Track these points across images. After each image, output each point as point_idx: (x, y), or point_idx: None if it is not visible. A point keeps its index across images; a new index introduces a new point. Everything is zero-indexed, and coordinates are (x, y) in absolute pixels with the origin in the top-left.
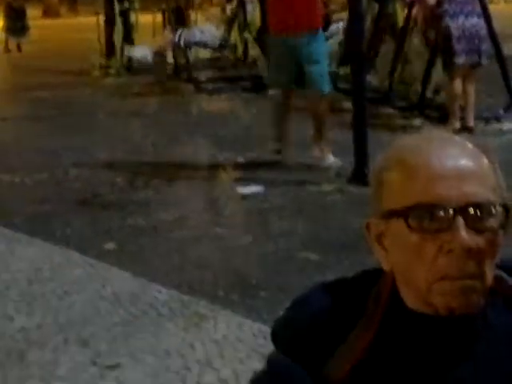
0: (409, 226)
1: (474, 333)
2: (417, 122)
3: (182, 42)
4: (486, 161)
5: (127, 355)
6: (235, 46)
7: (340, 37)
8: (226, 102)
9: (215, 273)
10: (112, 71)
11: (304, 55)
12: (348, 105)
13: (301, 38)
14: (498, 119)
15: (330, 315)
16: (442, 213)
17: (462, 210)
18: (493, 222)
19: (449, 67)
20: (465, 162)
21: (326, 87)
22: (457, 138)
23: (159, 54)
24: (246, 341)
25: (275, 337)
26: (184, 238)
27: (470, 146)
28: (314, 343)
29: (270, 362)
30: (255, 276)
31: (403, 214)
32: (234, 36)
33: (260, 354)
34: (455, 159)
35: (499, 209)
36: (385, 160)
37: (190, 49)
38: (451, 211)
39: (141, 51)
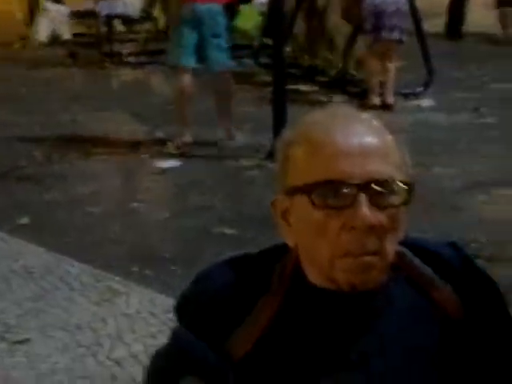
0: (312, 203)
1: (376, 308)
2: (337, 98)
3: (103, 14)
4: (390, 138)
5: (37, 330)
6: (157, 19)
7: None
8: (147, 75)
9: (130, 248)
10: (32, 43)
11: (208, 27)
12: (269, 80)
13: (208, 6)
14: (416, 96)
15: (233, 290)
16: (345, 190)
17: (364, 186)
18: (395, 199)
19: (369, 43)
20: (369, 140)
21: (228, 62)
22: (363, 114)
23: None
24: (158, 316)
25: (179, 311)
26: (100, 213)
27: (375, 123)
28: (217, 318)
29: (173, 335)
30: (170, 251)
31: (307, 190)
32: (157, 9)
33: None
34: (360, 136)
35: (402, 186)
36: (291, 135)
37: (111, 20)
38: (354, 188)
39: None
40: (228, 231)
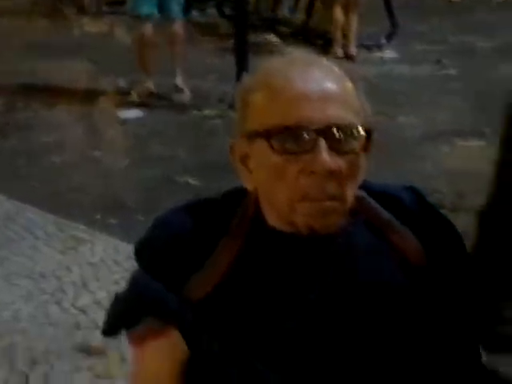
0: (272, 148)
1: (335, 251)
2: (300, 49)
3: None
4: (350, 84)
5: (1, 278)
6: None
7: None
8: (109, 25)
9: (93, 196)
10: None
11: None
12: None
13: None
14: (379, 47)
15: (192, 234)
16: (304, 134)
17: (324, 131)
18: (355, 145)
19: None
20: (329, 85)
21: (182, 13)
22: (323, 61)
23: None
24: (122, 263)
25: (138, 255)
26: (62, 162)
27: (335, 69)
28: (176, 261)
29: (132, 278)
30: (133, 200)
31: (266, 135)
32: None
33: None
34: (319, 82)
35: (361, 131)
36: (251, 81)
37: None
38: (313, 133)
39: None
40: (191, 180)
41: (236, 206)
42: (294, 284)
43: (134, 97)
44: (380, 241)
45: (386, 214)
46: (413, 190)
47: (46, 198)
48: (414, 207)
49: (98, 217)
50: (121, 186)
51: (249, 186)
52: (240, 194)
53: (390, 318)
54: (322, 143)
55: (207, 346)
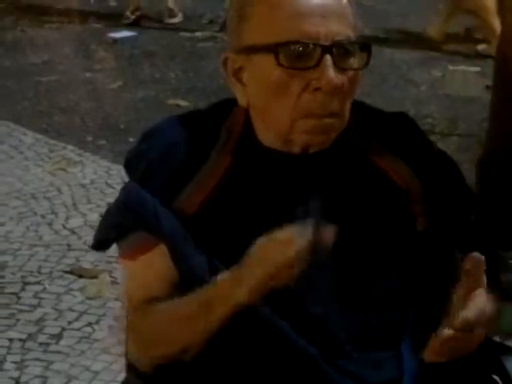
0: (278, 63)
1: (323, 169)
2: None
3: None
4: (346, 0)
5: None
6: None
7: None
8: None
9: (84, 118)
10: None
11: None
12: None
13: None
14: None
15: (182, 146)
16: (311, 50)
17: (329, 48)
18: (355, 61)
19: None
20: (329, 0)
21: None
22: None
23: None
24: (113, 185)
25: (128, 168)
26: (52, 82)
27: None
28: (166, 174)
29: (123, 190)
30: (124, 121)
31: (272, 49)
32: None
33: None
34: None
35: (362, 48)
36: None
37: None
38: (320, 49)
39: None
40: (182, 103)
41: (224, 118)
42: (282, 201)
43: (126, 17)
44: (365, 160)
45: (372, 135)
46: (404, 117)
47: (37, 118)
48: (404, 133)
49: (90, 138)
50: (111, 107)
51: (242, 101)
52: (229, 106)
53: (376, 235)
54: (329, 60)
55: (196, 263)
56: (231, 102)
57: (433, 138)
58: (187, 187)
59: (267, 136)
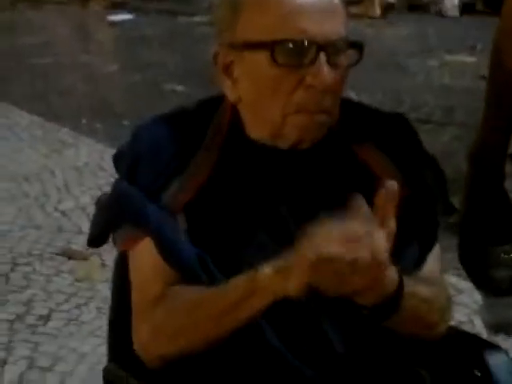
0: (274, 60)
1: (309, 165)
2: None
3: None
4: None
5: None
6: None
7: None
8: None
9: (79, 100)
10: None
11: None
12: None
13: None
14: None
15: (169, 143)
16: (307, 48)
17: (324, 46)
18: (346, 59)
19: None
20: None
21: None
22: None
23: None
24: (107, 169)
25: (116, 164)
26: (49, 64)
27: None
28: (154, 170)
29: (113, 185)
30: (119, 105)
31: (268, 46)
32: None
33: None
34: None
35: (354, 46)
36: None
37: None
38: (315, 47)
39: None
40: (178, 88)
41: (212, 114)
42: (269, 196)
43: None
44: (352, 156)
45: (364, 134)
46: (400, 118)
47: (32, 100)
48: (397, 134)
49: (84, 121)
50: (107, 90)
51: (231, 96)
52: (216, 102)
53: None
54: (323, 58)
55: (186, 257)
56: (218, 100)
57: (429, 127)
58: (175, 182)
59: (256, 131)
